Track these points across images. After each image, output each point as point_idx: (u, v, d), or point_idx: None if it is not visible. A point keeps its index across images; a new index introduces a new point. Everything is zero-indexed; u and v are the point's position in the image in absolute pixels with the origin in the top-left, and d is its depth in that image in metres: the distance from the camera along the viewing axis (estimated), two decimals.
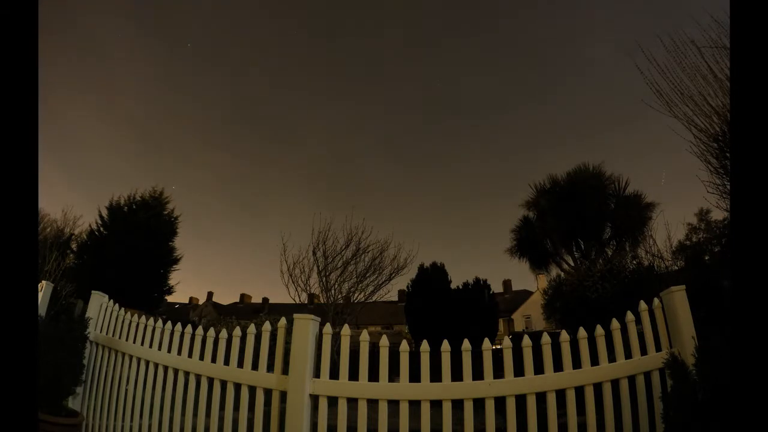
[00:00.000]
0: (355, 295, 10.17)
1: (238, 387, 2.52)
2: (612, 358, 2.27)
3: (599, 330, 2.31)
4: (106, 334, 3.13)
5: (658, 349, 2.25)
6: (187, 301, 35.26)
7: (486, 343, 2.29)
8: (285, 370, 2.38)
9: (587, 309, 7.31)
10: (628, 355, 2.27)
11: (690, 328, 2.15)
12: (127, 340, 3.00)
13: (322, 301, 10.24)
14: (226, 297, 41.00)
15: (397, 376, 2.30)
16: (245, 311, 31.42)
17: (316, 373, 2.38)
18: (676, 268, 8.14)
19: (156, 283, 15.02)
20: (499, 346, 2.46)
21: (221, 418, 2.46)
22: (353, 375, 2.35)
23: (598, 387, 2.23)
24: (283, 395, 2.33)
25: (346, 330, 2.43)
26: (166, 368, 2.77)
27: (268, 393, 2.42)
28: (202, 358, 2.67)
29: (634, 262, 8.66)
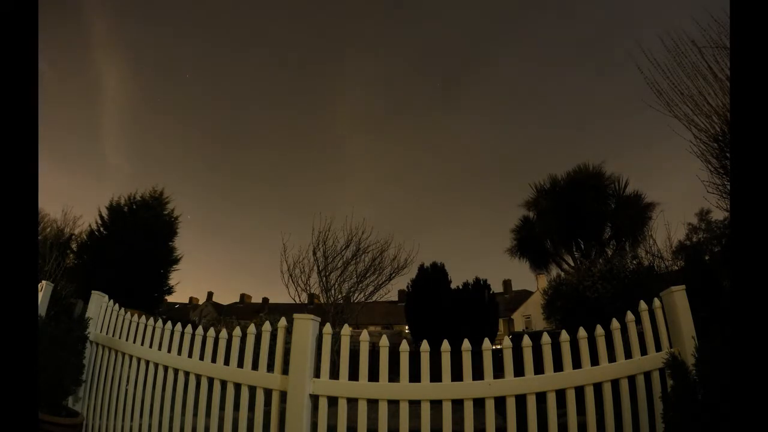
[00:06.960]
0: (355, 295, 10.18)
1: (238, 387, 2.52)
2: (612, 358, 2.27)
3: (599, 330, 2.31)
4: (106, 334, 3.13)
5: (658, 349, 2.25)
6: (187, 301, 35.26)
7: (486, 343, 2.29)
8: (285, 370, 2.38)
9: (587, 309, 7.30)
10: (628, 355, 2.27)
11: (690, 328, 2.15)
12: (127, 340, 3.00)
13: (322, 301, 10.24)
14: (226, 297, 41.04)
15: (397, 376, 2.30)
16: (245, 311, 31.44)
17: (316, 373, 2.38)
18: (676, 268, 8.13)
19: (156, 283, 15.00)
20: (499, 346, 2.46)
21: (221, 418, 2.46)
22: (353, 375, 2.35)
23: (598, 387, 2.23)
24: (283, 395, 2.33)
25: (346, 330, 2.43)
26: (166, 368, 2.77)
27: (268, 393, 2.42)
28: (202, 358, 2.67)
29: (634, 262, 8.65)
